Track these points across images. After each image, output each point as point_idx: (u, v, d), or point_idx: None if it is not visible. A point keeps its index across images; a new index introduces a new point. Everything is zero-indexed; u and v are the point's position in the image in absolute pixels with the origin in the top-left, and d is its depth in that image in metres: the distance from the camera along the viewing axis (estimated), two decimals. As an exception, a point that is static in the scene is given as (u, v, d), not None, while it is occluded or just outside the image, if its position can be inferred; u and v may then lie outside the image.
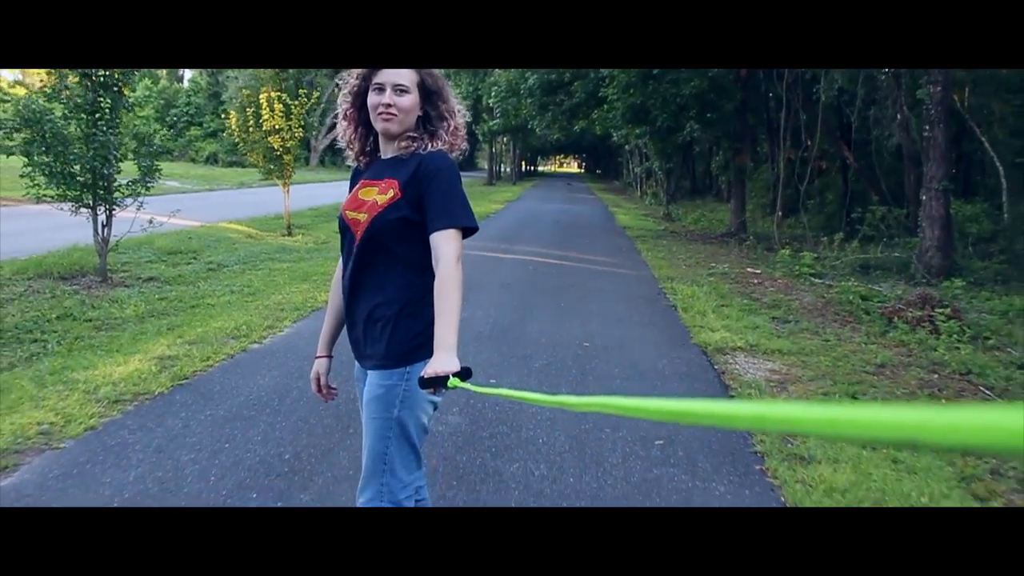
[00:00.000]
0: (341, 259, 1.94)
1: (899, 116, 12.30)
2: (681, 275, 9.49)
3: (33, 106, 6.83)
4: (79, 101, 7.06)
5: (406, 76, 1.78)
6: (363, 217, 1.80)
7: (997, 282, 9.41)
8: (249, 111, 11.71)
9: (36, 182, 7.01)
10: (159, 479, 2.94)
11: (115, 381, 4.06)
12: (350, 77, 1.88)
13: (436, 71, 1.85)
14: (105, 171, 7.11)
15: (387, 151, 1.87)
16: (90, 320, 5.78)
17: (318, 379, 2.05)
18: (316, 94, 13.81)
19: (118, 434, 3.39)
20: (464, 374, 1.48)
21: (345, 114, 1.91)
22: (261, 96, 11.59)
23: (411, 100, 1.79)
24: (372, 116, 1.82)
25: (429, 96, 1.83)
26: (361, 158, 1.94)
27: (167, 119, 45.39)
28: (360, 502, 1.80)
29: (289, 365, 4.56)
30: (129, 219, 7.40)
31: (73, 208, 7.14)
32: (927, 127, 9.82)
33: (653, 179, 27.49)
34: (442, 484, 3.00)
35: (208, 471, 3.03)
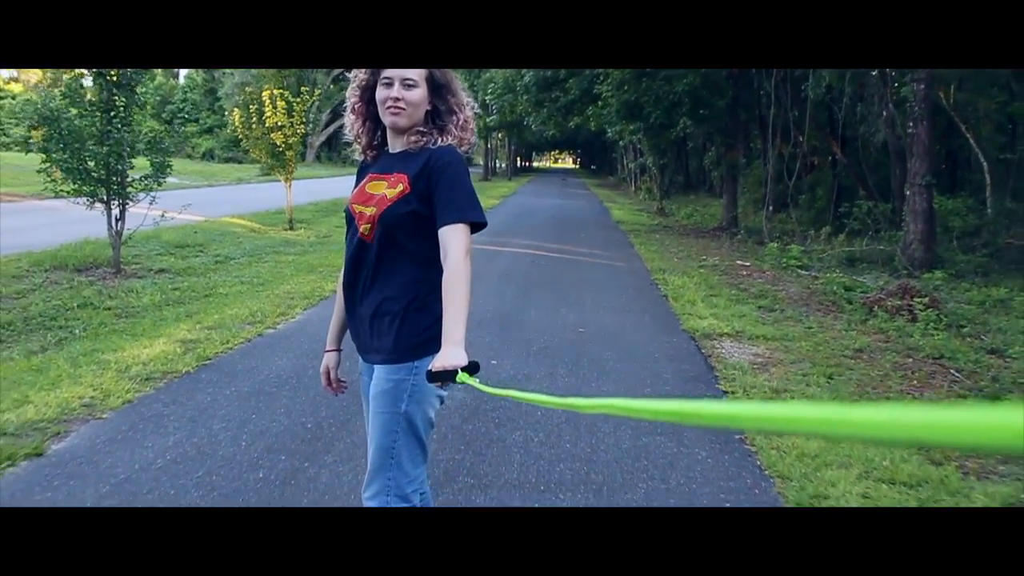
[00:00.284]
0: (345, 251, 1.95)
1: (885, 113, 12.64)
2: (673, 267, 9.83)
3: (51, 104, 7.12)
4: (94, 99, 7.35)
5: (415, 70, 1.78)
6: (371, 211, 1.79)
7: (978, 274, 9.76)
8: (252, 108, 12.01)
9: (53, 178, 7.29)
10: (196, 444, 3.26)
11: (144, 361, 4.38)
12: (359, 71, 1.88)
13: None
14: (119, 167, 7.41)
15: (395, 145, 1.87)
16: (109, 308, 6.09)
17: (327, 373, 2.06)
18: (318, 92, 14.07)
19: (153, 407, 3.71)
20: (472, 368, 1.48)
21: (353, 108, 1.91)
22: (264, 93, 11.88)
23: (420, 94, 1.79)
24: (380, 110, 1.82)
25: (438, 90, 1.83)
26: (368, 152, 1.94)
27: (163, 115, 45.58)
28: (366, 496, 1.79)
29: (303, 348, 4.87)
30: (138, 214, 7.69)
31: (88, 203, 7.43)
32: (911, 124, 10.15)
33: (647, 175, 27.82)
34: (451, 449, 3.33)
35: (239, 438, 3.35)
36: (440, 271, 1.69)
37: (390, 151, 1.89)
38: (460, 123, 1.85)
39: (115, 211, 7.53)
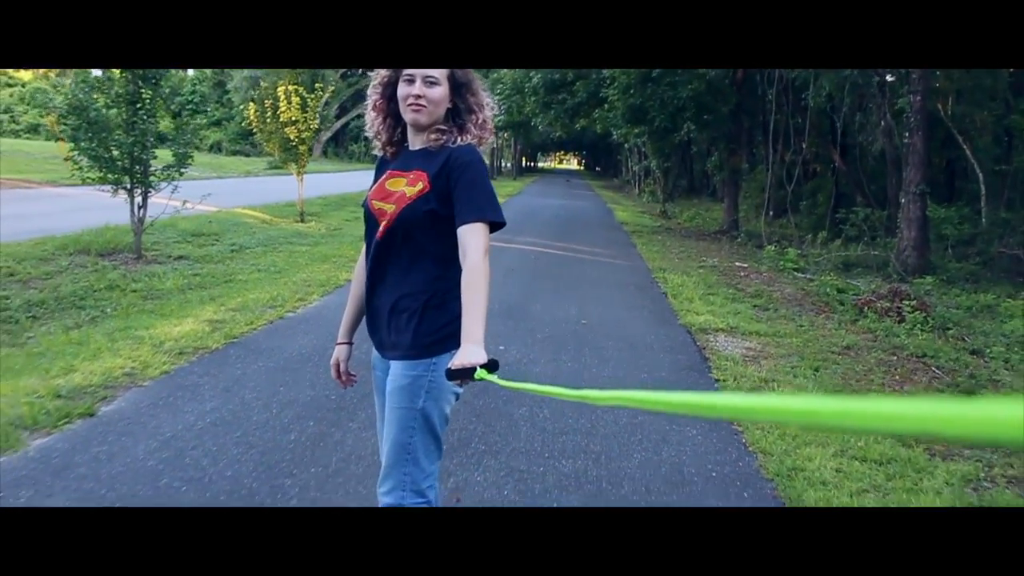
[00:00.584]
0: (364, 247, 1.95)
1: (883, 123, 12.96)
2: (673, 267, 10.15)
3: (80, 95, 7.43)
4: (120, 91, 7.67)
5: (437, 68, 1.79)
6: (391, 208, 1.81)
7: (968, 281, 10.08)
8: (267, 103, 12.34)
9: (79, 165, 7.61)
10: (231, 410, 3.59)
11: (175, 338, 4.70)
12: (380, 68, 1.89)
13: None
14: (143, 156, 7.73)
15: (415, 142, 1.89)
16: (135, 291, 6.41)
17: (337, 365, 2.07)
18: (331, 88, 14.42)
19: (188, 377, 4.03)
20: (491, 366, 1.49)
21: (374, 104, 1.91)
22: (279, 89, 12.22)
23: (441, 92, 1.80)
24: (402, 107, 1.82)
25: (459, 88, 1.84)
26: (388, 148, 1.95)
27: (172, 107, 45.86)
28: (382, 491, 1.80)
29: (323, 330, 5.19)
30: (159, 203, 8.01)
31: (112, 190, 7.75)
32: (907, 134, 10.48)
33: (651, 177, 28.15)
34: (463, 420, 3.64)
35: (270, 405, 3.68)
36: (458, 269, 1.71)
37: (410, 148, 1.91)
38: (480, 122, 1.87)
39: (137, 199, 7.85)
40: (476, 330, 1.57)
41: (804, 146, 14.75)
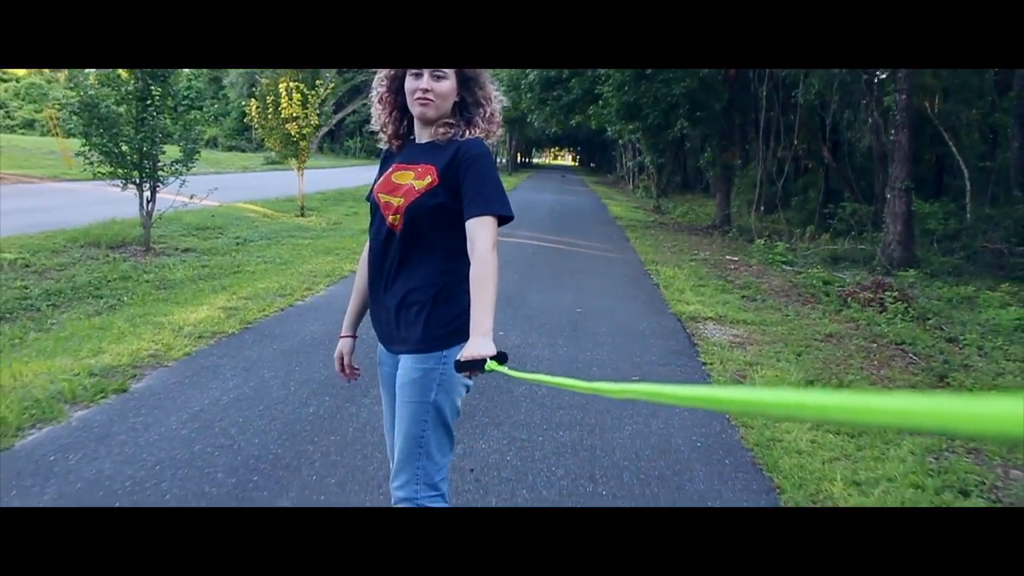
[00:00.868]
0: (369, 240, 1.94)
1: (870, 120, 13.28)
2: (665, 260, 10.46)
3: (91, 92, 7.67)
4: (130, 88, 7.92)
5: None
6: (398, 201, 1.80)
7: (951, 274, 10.41)
8: (268, 99, 12.59)
9: (90, 160, 7.85)
10: (252, 387, 3.87)
11: (194, 323, 4.98)
12: None
13: None
14: (152, 152, 7.98)
15: (422, 136, 1.88)
16: (148, 281, 6.68)
17: (341, 358, 2.06)
18: (332, 85, 14.67)
19: (209, 359, 4.31)
20: (501, 358, 1.50)
21: (381, 97, 1.91)
22: (280, 85, 12.46)
23: (448, 86, 1.80)
24: (409, 101, 1.83)
25: (466, 82, 1.84)
26: (394, 141, 1.95)
27: (168, 102, 45.90)
28: (395, 486, 1.80)
29: (331, 317, 5.47)
30: (166, 197, 8.26)
31: (122, 184, 8.00)
32: (893, 131, 10.79)
33: (645, 173, 28.46)
34: (466, 396, 3.92)
35: (288, 384, 3.96)
36: (466, 262, 1.70)
37: (416, 141, 1.91)
38: (487, 116, 1.87)
39: (146, 193, 8.10)
40: (485, 322, 1.59)
41: (795, 143, 15.07)
